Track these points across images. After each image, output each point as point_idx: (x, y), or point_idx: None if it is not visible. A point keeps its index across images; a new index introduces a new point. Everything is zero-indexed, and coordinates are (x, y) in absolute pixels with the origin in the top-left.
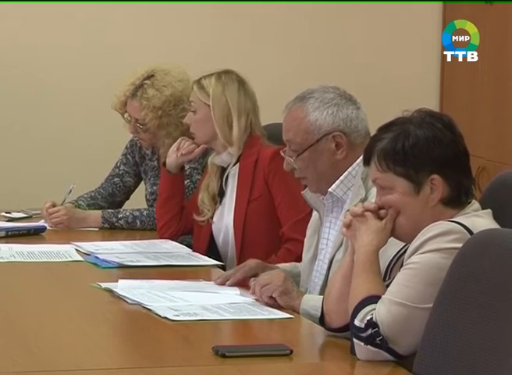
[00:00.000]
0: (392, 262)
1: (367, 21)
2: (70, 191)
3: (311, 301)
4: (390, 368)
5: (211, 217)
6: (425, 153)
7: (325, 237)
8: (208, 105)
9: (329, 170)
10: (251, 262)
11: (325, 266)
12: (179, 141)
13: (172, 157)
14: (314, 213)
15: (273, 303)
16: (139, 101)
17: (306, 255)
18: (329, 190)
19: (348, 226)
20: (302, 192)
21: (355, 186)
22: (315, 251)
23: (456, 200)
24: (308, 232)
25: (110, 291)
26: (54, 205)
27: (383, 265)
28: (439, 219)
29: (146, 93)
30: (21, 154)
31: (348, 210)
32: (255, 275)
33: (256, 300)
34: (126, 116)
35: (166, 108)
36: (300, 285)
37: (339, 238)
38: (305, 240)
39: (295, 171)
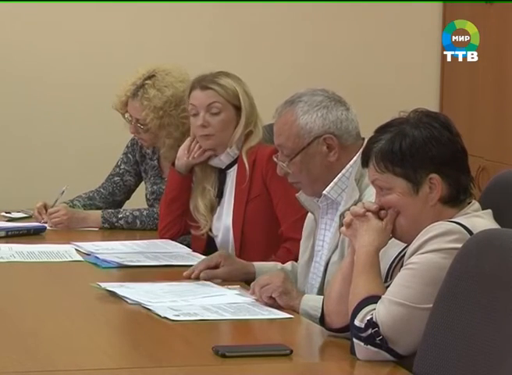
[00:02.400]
0: (394, 264)
1: (367, 21)
2: (63, 192)
3: (311, 302)
4: (390, 368)
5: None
6: (423, 153)
7: (321, 239)
8: (234, 105)
9: (323, 173)
10: (215, 254)
11: (322, 268)
12: (187, 143)
13: (182, 160)
14: (309, 215)
15: (273, 303)
16: (140, 102)
17: (302, 257)
18: (324, 192)
19: (348, 225)
20: (296, 195)
21: (349, 188)
22: (311, 252)
23: (455, 198)
24: (304, 234)
25: (110, 291)
26: (45, 206)
27: (384, 266)
28: (438, 219)
29: (147, 93)
30: (21, 154)
31: (349, 210)
32: (217, 265)
33: (256, 300)
34: (126, 116)
35: (167, 108)
36: (297, 287)
37: (334, 240)
38: (301, 242)
39: (288, 176)
